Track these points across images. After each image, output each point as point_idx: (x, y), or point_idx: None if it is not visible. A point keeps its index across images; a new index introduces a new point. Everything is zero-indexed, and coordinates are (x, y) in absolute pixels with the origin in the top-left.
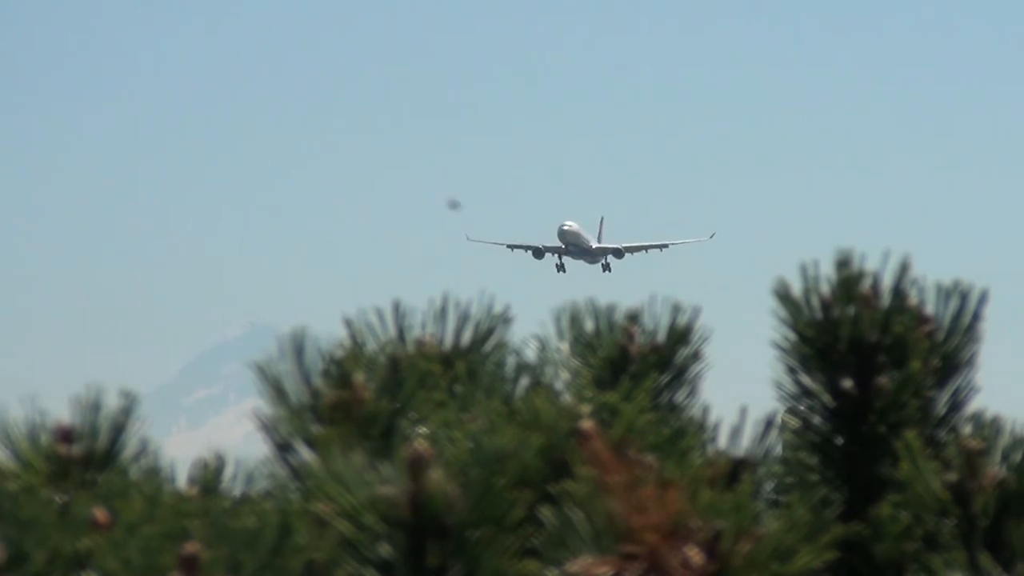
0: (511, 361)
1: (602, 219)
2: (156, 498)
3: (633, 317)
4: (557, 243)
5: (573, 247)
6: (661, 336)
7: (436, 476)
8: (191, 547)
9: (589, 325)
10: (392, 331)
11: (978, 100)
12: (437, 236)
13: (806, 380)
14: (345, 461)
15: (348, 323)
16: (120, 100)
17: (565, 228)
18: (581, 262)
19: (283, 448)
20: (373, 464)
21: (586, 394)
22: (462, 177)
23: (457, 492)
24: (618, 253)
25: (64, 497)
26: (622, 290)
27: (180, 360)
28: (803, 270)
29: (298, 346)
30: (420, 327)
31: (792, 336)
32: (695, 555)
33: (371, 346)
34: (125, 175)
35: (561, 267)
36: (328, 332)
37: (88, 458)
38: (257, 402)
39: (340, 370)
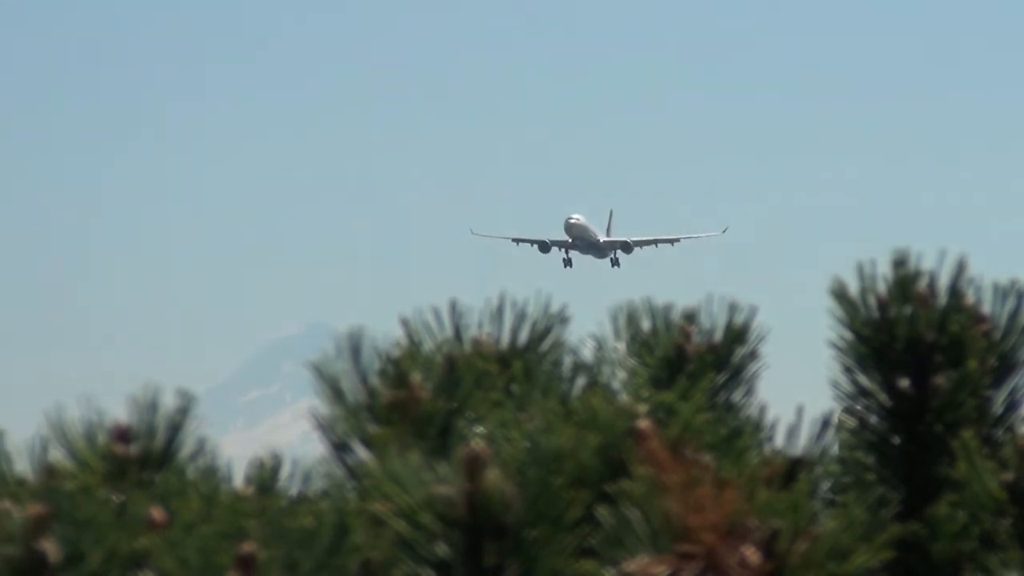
0: (568, 361)
1: (611, 212)
2: (213, 498)
3: (690, 316)
4: (564, 237)
5: (580, 241)
6: (718, 335)
7: (493, 476)
8: (248, 546)
9: (646, 324)
10: (449, 330)
11: None
12: (439, 230)
13: (863, 379)
14: (402, 461)
15: (405, 322)
16: (191, 99)
17: (572, 222)
18: (589, 257)
19: (340, 448)
20: (430, 464)
21: (643, 393)
22: (468, 169)
23: (514, 492)
24: (626, 247)
25: (121, 497)
26: (631, 285)
27: (237, 359)
28: (860, 269)
29: (355, 345)
30: (477, 326)
31: (849, 335)
32: (752, 554)
33: (428, 345)
34: (187, 174)
35: (568, 262)
36: (385, 331)
37: (145, 458)
38: (314, 401)
39: (397, 370)
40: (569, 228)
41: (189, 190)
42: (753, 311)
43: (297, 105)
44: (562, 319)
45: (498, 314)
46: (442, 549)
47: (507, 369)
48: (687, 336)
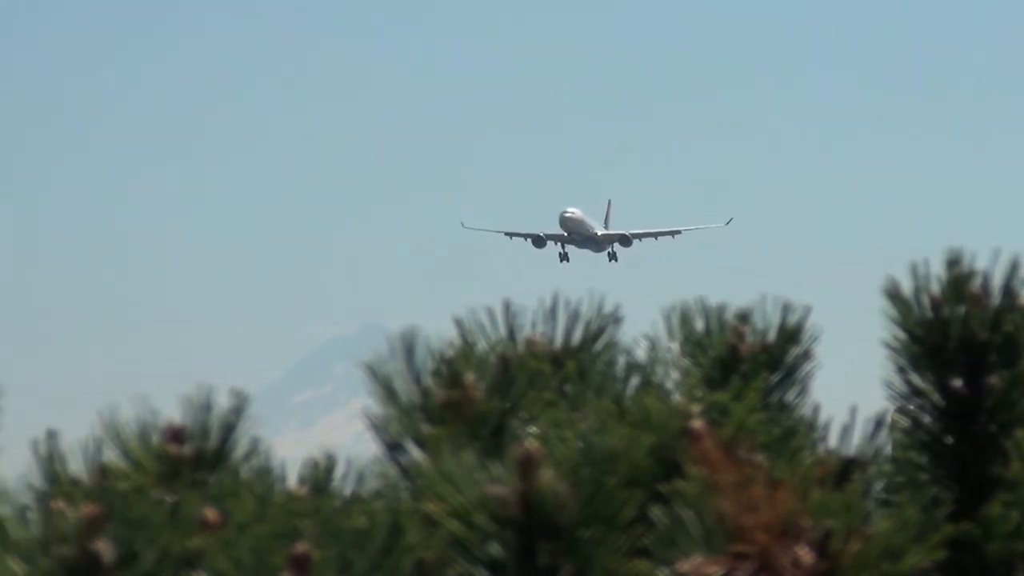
0: (621, 360)
1: (609, 202)
2: (267, 498)
3: (743, 316)
4: (559, 231)
5: (576, 235)
6: (771, 335)
7: (546, 476)
8: (301, 547)
9: (699, 324)
10: (502, 330)
11: None
12: (432, 226)
13: (916, 379)
14: (455, 461)
15: (458, 322)
16: (243, 96)
17: (567, 215)
18: (586, 251)
19: (393, 448)
20: (483, 464)
21: (696, 393)
22: (459, 159)
23: (567, 491)
24: (625, 240)
25: (174, 497)
26: (630, 280)
27: (291, 359)
28: (913, 269)
29: (408, 346)
30: (530, 326)
31: (902, 335)
32: (805, 554)
33: (481, 346)
34: (243, 175)
35: (564, 256)
36: (438, 331)
37: (199, 458)
38: (367, 402)
39: (450, 370)
40: (564, 222)
41: (244, 187)
42: (807, 311)
43: (354, 106)
44: (615, 319)
45: (551, 314)
46: (495, 549)
47: (560, 369)
48: (740, 336)
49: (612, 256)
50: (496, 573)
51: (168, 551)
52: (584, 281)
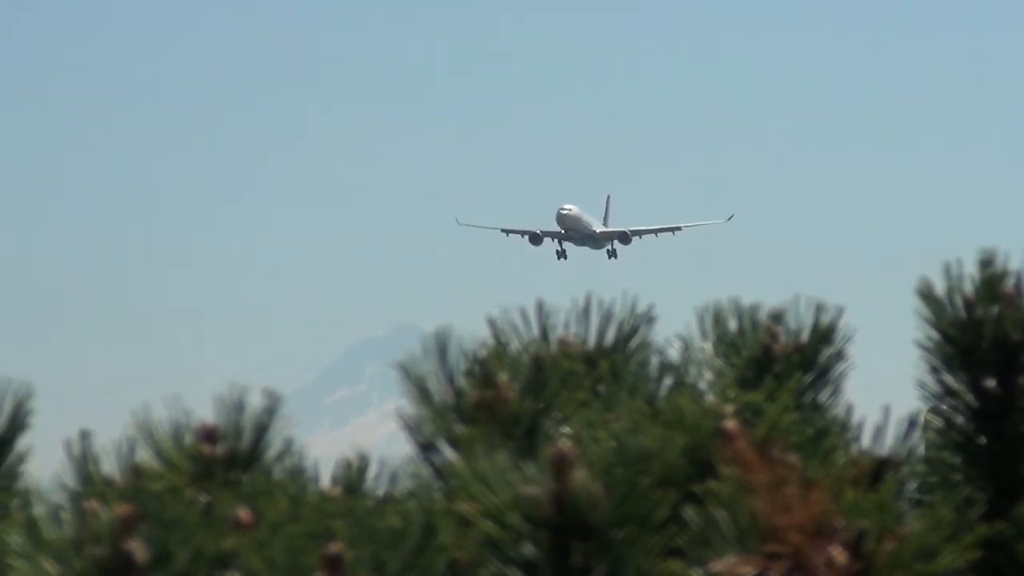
0: (654, 361)
1: (608, 198)
2: (300, 498)
3: (777, 316)
4: (556, 228)
5: (574, 232)
6: (804, 335)
7: (580, 476)
8: (335, 547)
9: (732, 324)
10: (535, 330)
11: None
12: (425, 221)
13: (949, 379)
14: (488, 461)
15: (491, 323)
16: (271, 98)
17: (564, 212)
18: (585, 248)
19: (426, 448)
20: (516, 464)
21: (729, 394)
22: (454, 153)
23: (601, 492)
24: (624, 238)
25: (208, 497)
26: (631, 279)
27: (323, 360)
28: (946, 269)
29: (441, 346)
30: (563, 326)
31: (935, 335)
32: (839, 555)
33: (514, 346)
34: (273, 175)
35: (562, 253)
36: (471, 331)
37: (232, 458)
38: (400, 402)
39: (483, 370)
40: (561, 219)
41: (279, 187)
42: (839, 311)
43: (383, 105)
44: (649, 319)
45: (584, 314)
46: (529, 549)
47: (594, 369)
48: (774, 336)
49: (612, 253)
50: (529, 573)
51: (201, 551)
52: (583, 279)
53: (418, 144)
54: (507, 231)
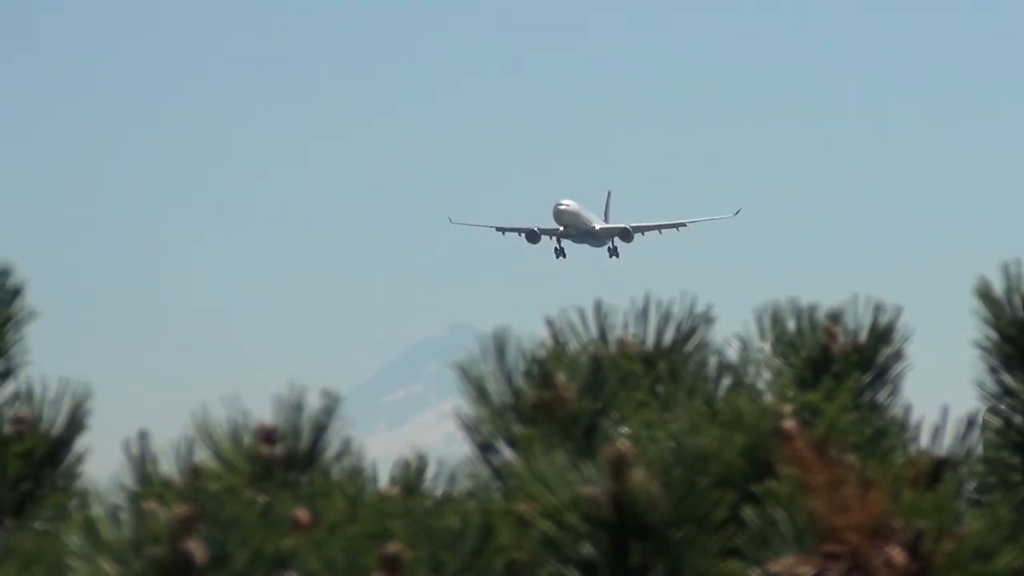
0: (713, 361)
1: (608, 194)
2: (358, 498)
3: (835, 316)
4: (554, 225)
5: (572, 229)
6: (863, 335)
7: (638, 476)
8: (393, 547)
9: (791, 324)
10: (594, 331)
11: None
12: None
13: (1007, 379)
14: (547, 461)
15: (550, 323)
16: (334, 105)
17: (561, 208)
18: (585, 246)
19: (485, 448)
20: (575, 464)
21: (788, 394)
22: (453, 150)
23: (659, 492)
24: (626, 235)
25: (266, 497)
26: (632, 277)
27: (382, 360)
28: (1005, 269)
29: (500, 346)
30: (622, 327)
31: (994, 335)
32: (897, 555)
33: (573, 346)
34: (339, 176)
35: (560, 252)
36: (530, 332)
37: (290, 458)
38: (458, 402)
39: (542, 370)
40: (559, 215)
41: (343, 188)
42: (898, 311)
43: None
44: (707, 319)
45: (643, 314)
46: (587, 549)
47: (652, 369)
48: (832, 336)
49: (613, 251)
50: (588, 573)
51: (260, 552)
52: (583, 278)
53: (448, 141)
54: (502, 229)
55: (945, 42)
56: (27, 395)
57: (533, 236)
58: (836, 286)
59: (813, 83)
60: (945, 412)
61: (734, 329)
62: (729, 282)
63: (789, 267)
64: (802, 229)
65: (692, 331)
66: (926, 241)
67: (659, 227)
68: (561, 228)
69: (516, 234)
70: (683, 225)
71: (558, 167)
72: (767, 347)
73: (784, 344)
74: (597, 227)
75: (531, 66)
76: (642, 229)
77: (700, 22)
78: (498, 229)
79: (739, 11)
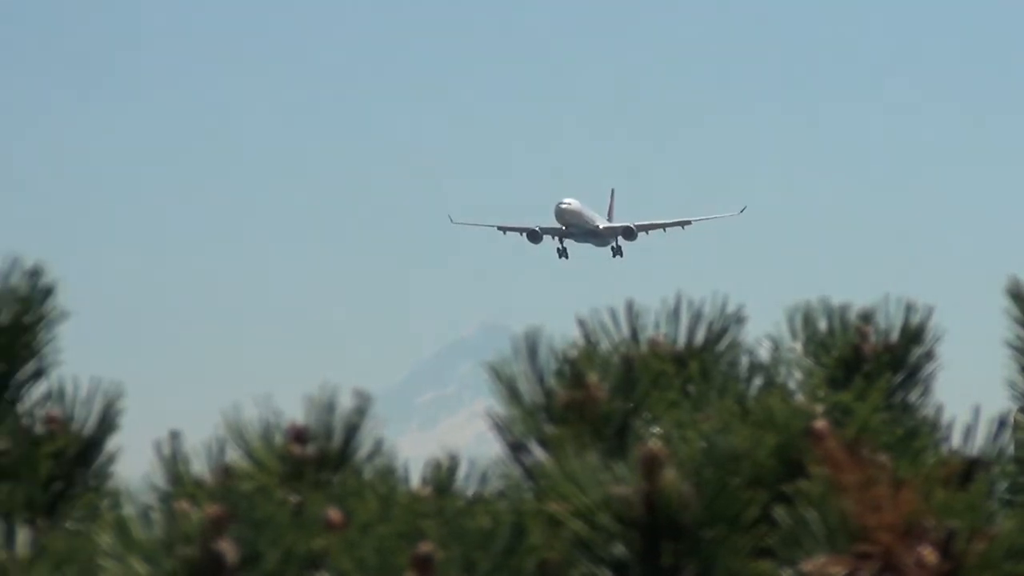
0: (744, 361)
1: (612, 192)
2: (390, 498)
3: (866, 316)
4: (556, 224)
5: (575, 228)
6: (894, 335)
7: (670, 476)
8: (425, 547)
9: (822, 324)
10: (625, 331)
11: None
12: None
13: None
14: (579, 461)
15: (581, 323)
16: (367, 106)
17: (563, 207)
18: (588, 245)
19: (517, 448)
20: (607, 464)
21: (819, 393)
22: (451, 147)
23: (691, 492)
24: (629, 233)
25: (298, 497)
26: (636, 277)
27: (413, 360)
28: None
29: (532, 346)
30: (653, 327)
31: None
32: (929, 555)
33: (605, 346)
34: (375, 178)
35: (563, 252)
36: (561, 332)
37: (322, 458)
38: (490, 402)
39: (574, 370)
40: (560, 214)
41: (375, 190)
42: (929, 311)
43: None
44: (738, 319)
45: (674, 314)
46: (619, 549)
47: (684, 369)
48: (864, 336)
49: (616, 251)
50: (619, 573)
51: (291, 552)
52: (586, 279)
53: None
54: (504, 229)
55: (975, 33)
56: (59, 395)
57: (535, 236)
58: (851, 286)
59: (824, 77)
60: (977, 412)
61: (752, 330)
62: (736, 281)
63: (795, 267)
64: (812, 228)
65: (723, 331)
66: (957, 240)
67: (663, 225)
68: (563, 227)
69: (518, 234)
70: (688, 223)
71: (558, 166)
72: (798, 347)
73: (815, 344)
74: (600, 226)
75: (532, 64)
76: (646, 228)
77: (702, 21)
78: (499, 228)
79: (743, 6)
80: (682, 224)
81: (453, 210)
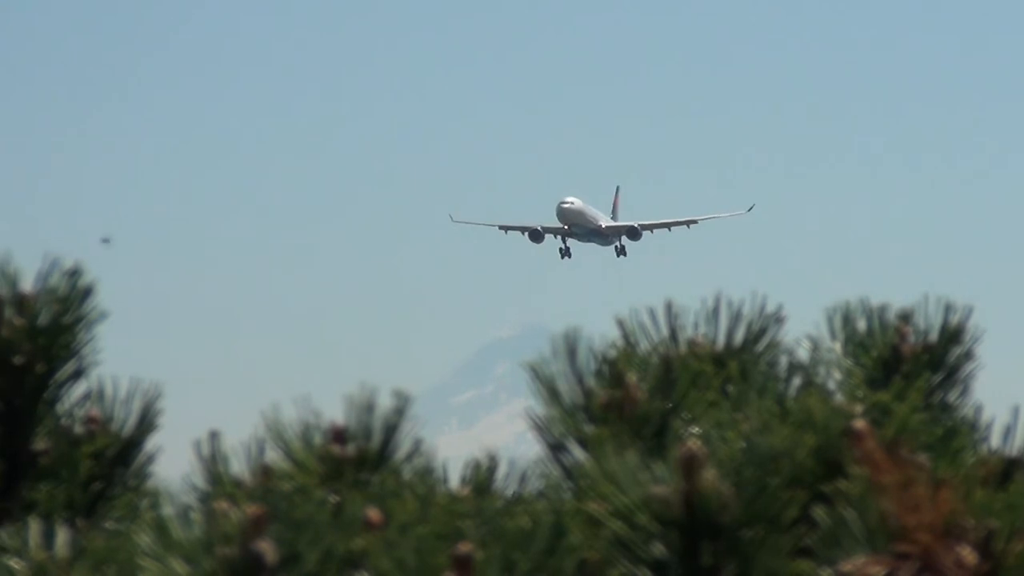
0: (783, 361)
1: (617, 189)
2: (429, 498)
3: (906, 316)
4: (558, 224)
5: (577, 228)
6: (933, 335)
7: (709, 476)
8: (464, 547)
9: (861, 325)
10: (664, 331)
11: None
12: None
13: None
14: (618, 461)
15: (621, 323)
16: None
17: (565, 206)
18: (592, 244)
19: (556, 448)
20: (646, 464)
21: (858, 393)
22: (456, 144)
23: (730, 492)
24: (633, 233)
25: (337, 497)
26: (641, 278)
27: (452, 360)
28: None
29: (571, 346)
30: (692, 327)
31: None
32: (968, 554)
33: (644, 346)
34: (414, 179)
35: (566, 252)
36: (600, 332)
37: (361, 458)
38: (529, 402)
39: (613, 370)
40: (562, 213)
41: (414, 192)
42: (968, 311)
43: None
44: (777, 319)
45: (713, 315)
46: (659, 549)
47: (723, 369)
48: (903, 336)
49: (620, 250)
50: (659, 573)
51: (331, 552)
52: (590, 279)
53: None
54: (505, 228)
55: (986, 29)
56: (98, 395)
57: (536, 235)
58: (872, 286)
59: (831, 76)
60: (1015, 412)
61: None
62: (744, 282)
63: (803, 267)
64: (826, 227)
65: (762, 331)
66: (995, 240)
67: (668, 224)
68: (566, 227)
69: (519, 233)
70: (694, 222)
71: (560, 165)
72: (838, 347)
73: (855, 344)
74: (603, 225)
75: (533, 63)
76: (651, 227)
77: (704, 18)
78: (501, 228)
79: (748, 3)
80: (688, 223)
81: (458, 209)
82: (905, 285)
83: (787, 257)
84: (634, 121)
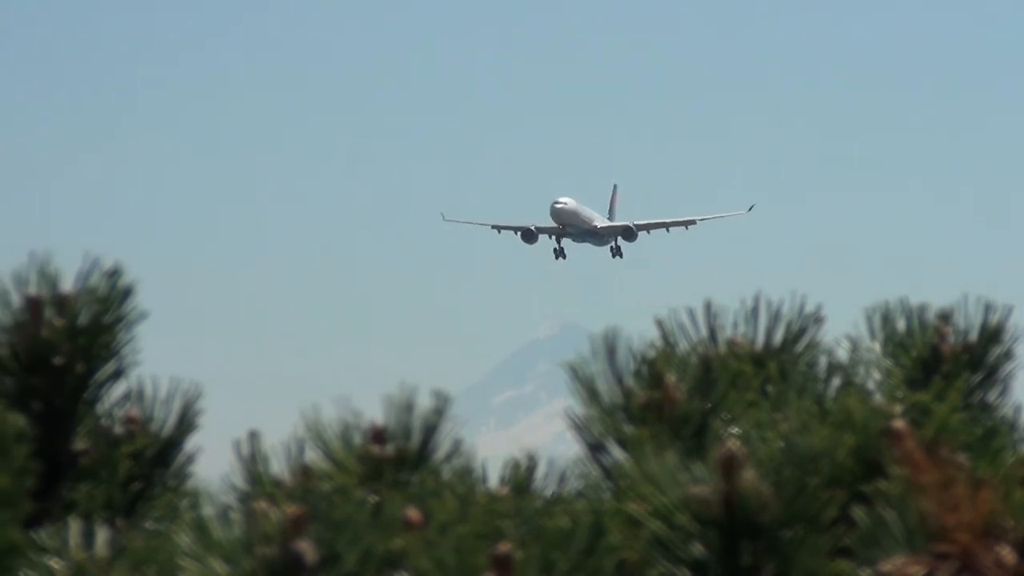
0: (823, 361)
1: (615, 187)
2: (469, 498)
3: (945, 316)
4: (551, 223)
5: (572, 228)
6: (973, 335)
7: (749, 476)
8: (504, 547)
9: (901, 325)
10: (704, 331)
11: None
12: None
13: None
14: (658, 461)
15: (660, 323)
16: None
17: (558, 206)
18: (587, 245)
19: (595, 448)
20: (686, 464)
21: (898, 394)
22: (446, 143)
23: (770, 492)
24: (629, 233)
25: (377, 497)
26: (639, 279)
27: (491, 360)
28: None
29: (610, 346)
30: (731, 327)
31: None
32: (1007, 554)
33: (683, 346)
34: (456, 179)
35: (560, 252)
36: (640, 332)
37: (401, 458)
38: (568, 402)
39: (652, 370)
40: (556, 213)
41: (457, 193)
42: (1008, 311)
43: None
44: (817, 319)
45: (753, 314)
46: (698, 549)
47: (762, 369)
48: (942, 336)
49: (616, 251)
50: (698, 573)
51: (370, 552)
52: (584, 280)
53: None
54: (498, 227)
55: (997, 32)
56: (138, 395)
57: (529, 235)
58: (867, 287)
59: (831, 76)
60: None
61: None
62: (745, 284)
63: (802, 267)
64: (824, 227)
65: (802, 331)
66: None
67: (666, 225)
68: (560, 227)
69: (512, 233)
70: (692, 223)
71: (560, 165)
72: (877, 347)
73: (894, 344)
74: (598, 226)
75: (533, 63)
76: (647, 227)
77: (704, 18)
78: (493, 227)
79: (746, 4)
80: (686, 223)
81: (450, 208)
82: (905, 285)
83: (787, 257)
84: (634, 121)
